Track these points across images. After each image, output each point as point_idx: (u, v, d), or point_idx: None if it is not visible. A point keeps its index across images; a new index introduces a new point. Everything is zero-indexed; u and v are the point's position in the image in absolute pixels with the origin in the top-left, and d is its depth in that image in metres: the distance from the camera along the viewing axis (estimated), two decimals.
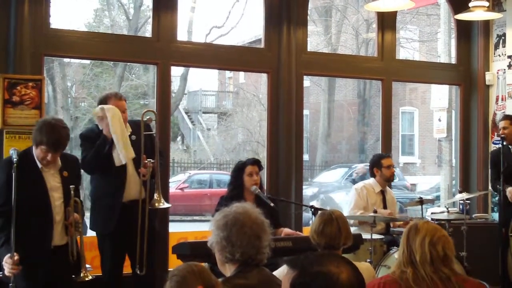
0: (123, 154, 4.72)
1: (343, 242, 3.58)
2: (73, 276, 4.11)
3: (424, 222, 3.09)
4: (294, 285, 1.98)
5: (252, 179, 5.16)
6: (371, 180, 6.45)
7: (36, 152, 4.06)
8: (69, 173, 4.23)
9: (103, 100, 4.94)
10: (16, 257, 3.76)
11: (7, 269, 3.78)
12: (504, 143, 6.42)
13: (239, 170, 5.25)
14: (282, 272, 3.48)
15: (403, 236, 3.05)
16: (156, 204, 4.72)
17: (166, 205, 4.87)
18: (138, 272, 4.83)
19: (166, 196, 6.02)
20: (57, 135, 4.02)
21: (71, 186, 4.11)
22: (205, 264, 3.80)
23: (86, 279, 4.12)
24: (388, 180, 6.45)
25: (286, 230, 5.26)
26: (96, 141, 4.83)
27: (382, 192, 6.40)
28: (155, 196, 4.72)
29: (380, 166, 6.37)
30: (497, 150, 6.70)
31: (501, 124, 6.61)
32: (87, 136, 4.99)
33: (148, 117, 4.86)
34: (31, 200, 3.93)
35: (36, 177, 4.06)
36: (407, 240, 3.01)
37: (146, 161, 4.75)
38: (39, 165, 4.08)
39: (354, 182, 14.10)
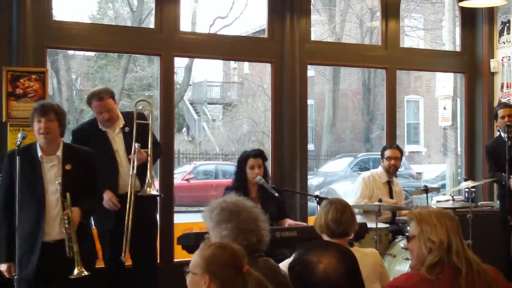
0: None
1: (354, 229, 3.57)
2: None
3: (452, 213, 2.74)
4: (289, 268, 2.18)
5: (253, 172, 5.11)
6: (379, 169, 6.42)
7: (35, 129, 4.05)
8: (74, 167, 4.11)
9: (88, 101, 4.94)
10: None
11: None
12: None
13: (242, 162, 5.22)
14: (287, 264, 3.50)
15: (455, 230, 2.59)
16: (148, 190, 4.69)
17: (154, 192, 4.80)
18: (122, 259, 4.76)
19: (170, 187, 6.04)
20: (43, 102, 4.30)
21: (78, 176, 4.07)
22: None
23: (82, 274, 3.96)
24: (387, 172, 6.34)
25: (290, 222, 5.24)
26: (86, 136, 4.87)
27: (389, 183, 6.35)
28: (147, 183, 4.69)
29: (382, 156, 6.35)
30: (493, 142, 6.63)
31: (504, 112, 6.36)
32: (75, 133, 5.09)
33: (141, 107, 4.84)
34: (26, 191, 3.88)
35: (35, 168, 4.02)
36: (460, 235, 2.59)
37: (135, 147, 4.73)
38: (39, 156, 4.05)
39: None
